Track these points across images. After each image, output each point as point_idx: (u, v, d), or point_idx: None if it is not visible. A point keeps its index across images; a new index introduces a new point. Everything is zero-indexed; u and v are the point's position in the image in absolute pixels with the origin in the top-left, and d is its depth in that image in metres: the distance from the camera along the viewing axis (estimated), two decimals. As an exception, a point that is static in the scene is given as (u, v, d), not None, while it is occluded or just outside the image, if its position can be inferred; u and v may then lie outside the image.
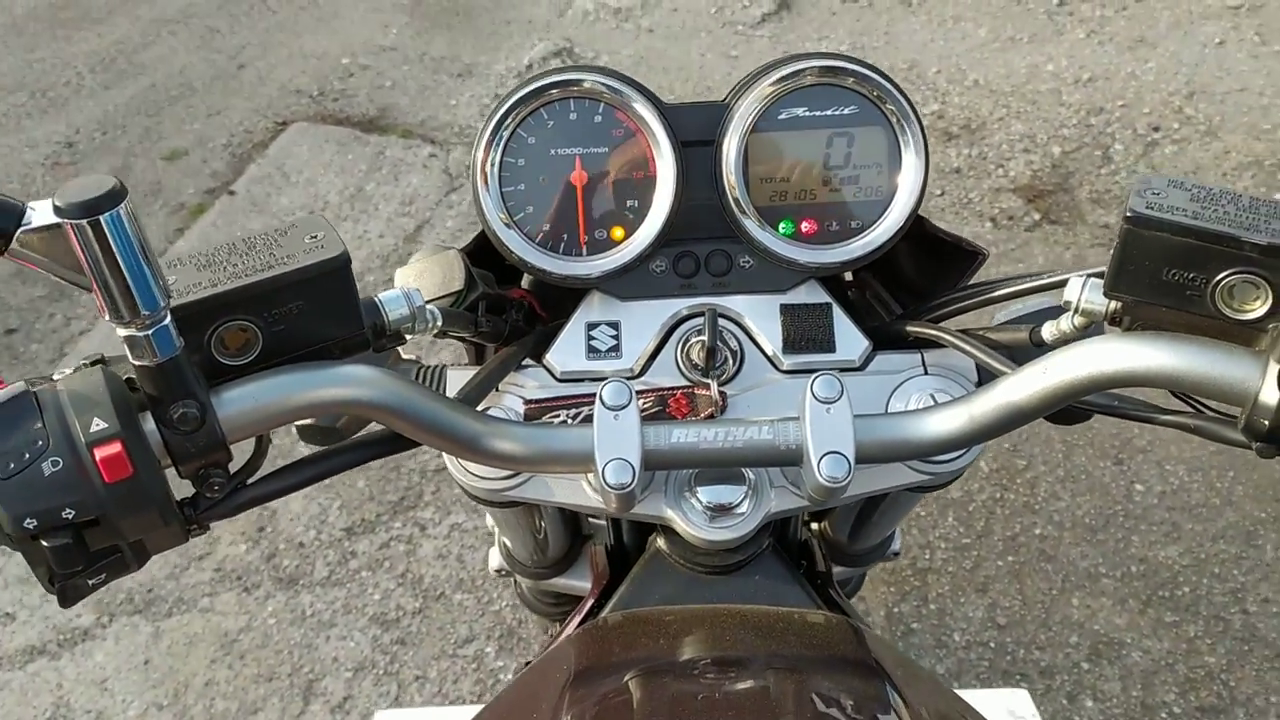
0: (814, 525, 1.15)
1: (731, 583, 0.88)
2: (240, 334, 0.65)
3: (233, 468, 0.68)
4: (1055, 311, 0.80)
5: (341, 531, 2.40)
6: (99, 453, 0.58)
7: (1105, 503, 2.39)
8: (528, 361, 0.87)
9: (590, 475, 0.81)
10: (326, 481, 2.60)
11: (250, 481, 0.69)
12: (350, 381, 0.67)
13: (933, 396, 0.81)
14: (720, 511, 0.80)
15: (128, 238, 0.55)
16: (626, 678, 0.77)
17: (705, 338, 0.82)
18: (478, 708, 0.87)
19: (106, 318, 0.58)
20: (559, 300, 0.92)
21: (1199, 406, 0.71)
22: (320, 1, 4.07)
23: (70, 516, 0.58)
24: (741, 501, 0.80)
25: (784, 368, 0.85)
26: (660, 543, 0.90)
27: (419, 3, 4.08)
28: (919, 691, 0.79)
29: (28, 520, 0.58)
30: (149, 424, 0.62)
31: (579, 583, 1.20)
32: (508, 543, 1.19)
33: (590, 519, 1.17)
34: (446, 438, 0.72)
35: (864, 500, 1.04)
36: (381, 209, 3.15)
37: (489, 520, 1.31)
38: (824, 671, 0.80)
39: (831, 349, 0.85)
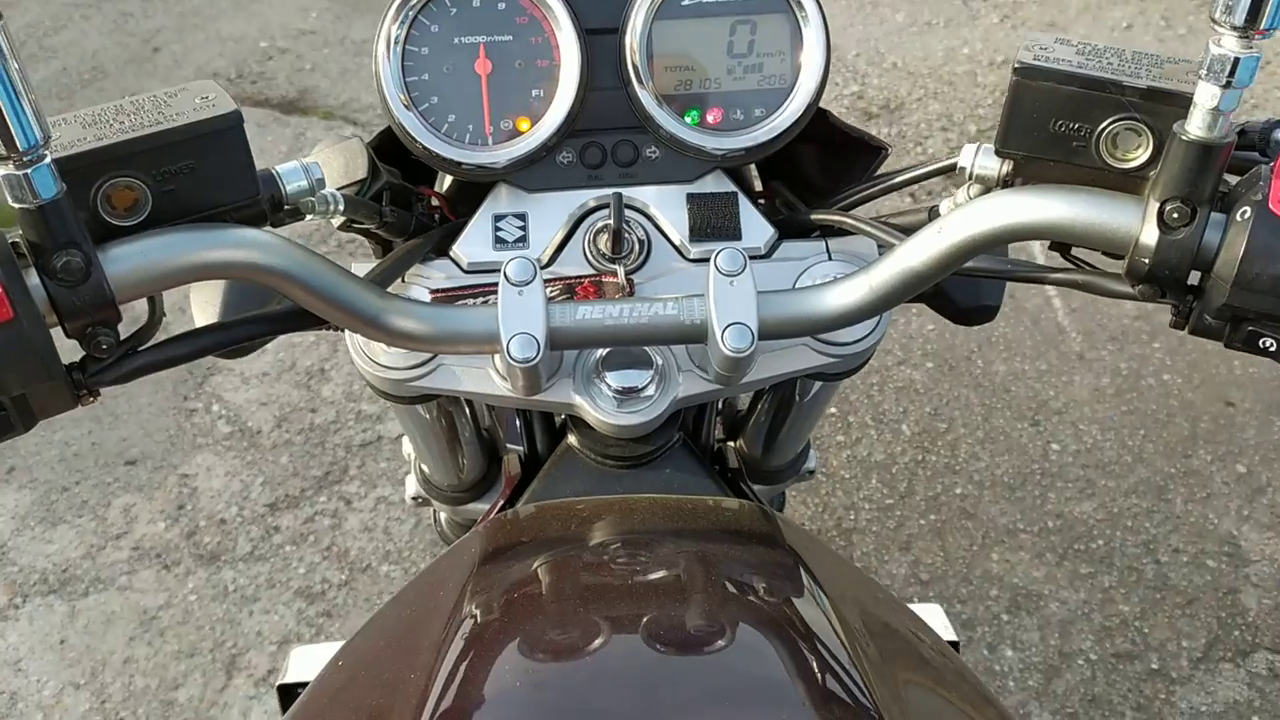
0: (729, 444, 1.16)
1: (643, 475, 0.88)
2: (128, 193, 0.64)
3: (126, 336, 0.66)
4: None
5: (264, 507, 2.36)
6: None
7: (1023, 462, 2.44)
8: (434, 256, 0.86)
9: (497, 359, 0.81)
10: (249, 458, 2.49)
11: (142, 349, 0.67)
12: (248, 244, 0.66)
13: (835, 278, 0.82)
14: (628, 395, 0.80)
15: (2, 62, 0.54)
16: (536, 563, 0.77)
17: (611, 222, 0.82)
18: None
19: None
20: (470, 205, 0.92)
21: (1082, 266, 0.74)
22: (238, -14, 4.01)
23: None
24: (649, 385, 0.80)
25: (691, 256, 0.86)
26: (572, 439, 0.90)
27: (339, -12, 4.04)
28: (831, 572, 0.80)
29: None
30: (34, 279, 0.60)
31: (497, 507, 1.20)
32: (425, 467, 1.18)
33: (508, 444, 1.16)
34: (348, 312, 0.71)
35: (774, 410, 1.05)
36: (303, 189, 3.11)
37: (405, 447, 1.30)
38: (737, 553, 0.80)
39: (738, 236, 0.86)
